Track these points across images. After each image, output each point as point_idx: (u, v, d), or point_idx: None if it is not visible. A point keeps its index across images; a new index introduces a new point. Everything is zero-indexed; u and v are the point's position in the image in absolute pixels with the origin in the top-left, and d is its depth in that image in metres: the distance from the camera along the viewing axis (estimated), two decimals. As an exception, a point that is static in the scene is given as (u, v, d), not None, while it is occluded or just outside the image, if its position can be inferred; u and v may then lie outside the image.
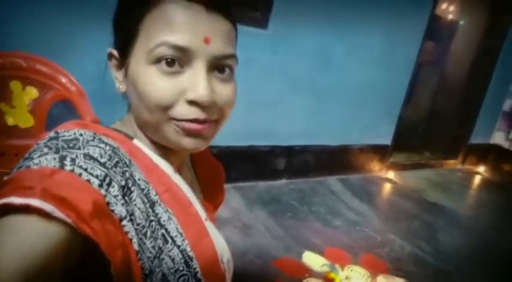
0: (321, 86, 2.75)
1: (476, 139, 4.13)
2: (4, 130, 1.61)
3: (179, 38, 0.50)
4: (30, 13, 1.68)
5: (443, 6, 4.21)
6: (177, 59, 0.51)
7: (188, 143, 0.55)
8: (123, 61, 0.56)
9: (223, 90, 0.55)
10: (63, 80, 1.64)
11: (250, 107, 2.46)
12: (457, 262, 2.10)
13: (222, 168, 0.82)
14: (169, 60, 0.51)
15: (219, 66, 0.54)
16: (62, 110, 1.76)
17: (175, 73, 0.51)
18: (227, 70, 0.55)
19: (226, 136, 2.52)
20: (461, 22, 4.09)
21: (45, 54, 1.64)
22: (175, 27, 0.50)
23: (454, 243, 2.36)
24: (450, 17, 4.27)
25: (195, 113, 0.52)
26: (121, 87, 0.57)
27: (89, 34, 1.74)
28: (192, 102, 0.52)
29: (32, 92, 1.62)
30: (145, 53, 0.51)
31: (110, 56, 0.58)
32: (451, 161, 4.12)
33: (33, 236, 0.36)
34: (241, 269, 1.69)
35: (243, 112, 2.49)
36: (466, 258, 2.17)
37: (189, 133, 0.54)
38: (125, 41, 0.54)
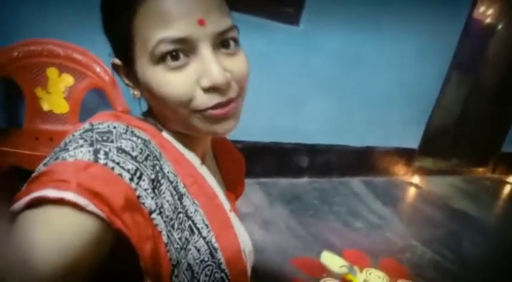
0: (349, 86, 2.71)
1: (508, 147, 3.99)
2: (39, 115, 1.67)
3: (174, 30, 0.48)
4: (69, 3, 1.73)
5: (482, 8, 4.06)
6: (180, 51, 0.50)
7: (220, 128, 0.55)
8: (129, 68, 0.55)
9: (234, 65, 0.54)
10: (98, 70, 1.69)
11: (276, 103, 2.46)
12: (480, 273, 2.05)
13: (243, 159, 0.83)
14: (173, 54, 0.49)
15: (222, 42, 0.53)
16: (95, 98, 1.81)
17: (184, 65, 0.50)
18: (231, 43, 0.53)
19: (251, 131, 2.55)
20: (499, 26, 3.94)
21: (81, 44, 1.69)
22: (166, 20, 0.48)
23: (478, 253, 2.30)
24: (488, 20, 4.12)
25: (215, 98, 0.52)
26: (136, 93, 0.57)
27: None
28: (209, 89, 0.51)
29: (68, 79, 1.67)
30: (147, 55, 0.50)
31: (115, 65, 0.57)
32: (480, 169, 3.99)
33: (68, 228, 0.37)
34: (260, 266, 1.70)
35: (268, 108, 2.51)
36: (489, 269, 2.11)
37: (217, 119, 0.54)
38: (122, 48, 0.53)
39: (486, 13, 4.10)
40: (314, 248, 1.94)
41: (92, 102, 1.79)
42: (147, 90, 0.53)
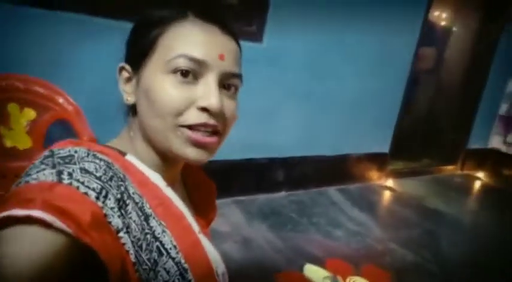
0: (317, 96, 2.76)
1: (474, 144, 4.15)
2: (2, 152, 1.61)
3: (198, 51, 0.55)
4: (25, 34, 1.70)
5: (436, 12, 4.26)
6: (192, 71, 0.55)
7: (192, 153, 0.57)
8: (134, 73, 0.59)
9: (229, 105, 0.59)
10: (60, 100, 1.65)
11: (248, 119, 2.47)
12: (459, 270, 2.10)
13: (213, 186, 0.83)
14: (184, 71, 0.55)
15: (226, 84, 0.59)
16: (60, 129, 1.77)
17: (189, 83, 0.55)
18: (233, 89, 0.60)
19: (224, 150, 2.52)
20: (454, 28, 4.14)
21: (41, 74, 1.65)
22: (193, 42, 0.55)
23: (455, 250, 2.36)
24: (443, 23, 4.32)
25: (204, 118, 0.55)
26: (129, 98, 0.61)
27: (85, 52, 1.76)
28: (202, 109, 0.55)
29: (30, 114, 1.63)
30: (161, 64, 0.55)
31: (121, 70, 0.61)
32: (450, 167, 4.13)
33: (36, 245, 0.37)
34: (243, 284, 1.68)
35: (240, 125, 2.51)
36: (468, 266, 2.16)
37: (195, 144, 0.56)
38: (139, 56, 0.58)
39: (441, 16, 4.29)
40: (296, 261, 1.94)
41: (57, 133, 1.75)
42: (145, 95, 0.57)
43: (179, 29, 0.56)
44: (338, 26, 2.65)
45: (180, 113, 0.55)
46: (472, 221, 2.97)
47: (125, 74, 0.61)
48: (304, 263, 1.92)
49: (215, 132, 0.58)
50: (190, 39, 0.55)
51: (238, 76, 0.60)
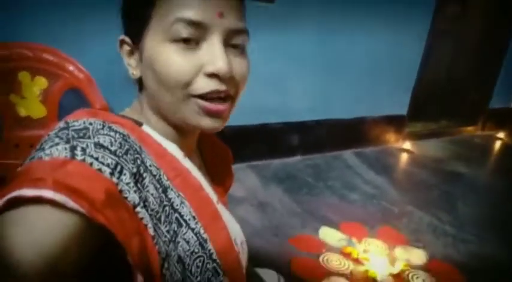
0: (332, 59, 2.68)
1: (495, 103, 4.01)
2: (17, 121, 1.63)
3: (194, 13, 0.51)
4: (34, 2, 1.66)
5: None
6: (193, 37, 0.52)
7: (207, 123, 0.56)
8: (136, 46, 0.57)
9: (238, 65, 0.56)
10: (71, 68, 1.64)
11: (261, 84, 2.43)
12: (477, 231, 2.08)
13: (229, 151, 0.82)
14: (185, 39, 0.52)
15: (233, 42, 0.55)
16: (73, 98, 1.77)
17: (193, 49, 0.52)
18: (240, 46, 0.57)
19: (238, 115, 2.49)
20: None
21: (52, 44, 1.63)
22: (188, 4, 0.51)
23: (473, 211, 2.33)
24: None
25: (214, 84, 0.53)
26: (135, 73, 0.58)
27: (95, 21, 1.72)
28: (211, 75, 0.53)
29: (41, 82, 1.62)
30: (160, 32, 0.52)
31: (122, 43, 0.59)
32: (470, 128, 4.02)
33: (47, 227, 0.36)
34: (258, 248, 1.71)
35: (253, 90, 2.46)
36: (486, 227, 2.14)
37: (209, 113, 0.55)
38: (137, 26, 0.55)
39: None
40: (312, 224, 1.95)
41: (70, 102, 1.75)
42: (149, 68, 0.54)
43: None
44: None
45: (188, 83, 0.52)
46: (491, 182, 2.92)
47: (126, 47, 0.58)
48: (319, 226, 1.93)
49: (227, 97, 0.56)
50: (184, 1, 0.51)
51: (244, 32, 0.56)
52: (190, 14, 0.51)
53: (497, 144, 3.83)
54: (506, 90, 4.04)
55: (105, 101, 1.64)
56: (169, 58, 0.52)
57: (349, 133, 3.02)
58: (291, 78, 2.56)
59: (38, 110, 1.64)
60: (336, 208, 2.16)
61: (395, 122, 3.28)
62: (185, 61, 0.52)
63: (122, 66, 0.61)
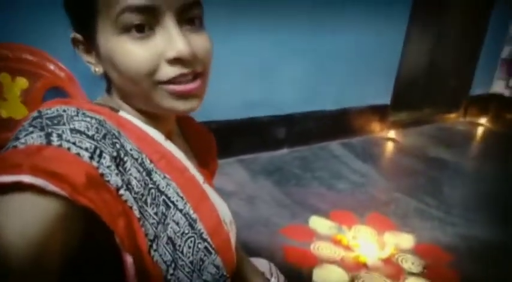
0: (315, 50, 2.69)
1: (476, 90, 4.09)
2: (-1, 123, 1.60)
3: None
4: (12, 2, 1.63)
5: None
6: (145, 23, 0.49)
7: (182, 105, 0.54)
8: (90, 43, 0.54)
9: (198, 41, 0.53)
10: (52, 67, 1.61)
11: (246, 77, 2.43)
12: (463, 213, 2.13)
13: (211, 136, 0.82)
14: (137, 27, 0.49)
15: (187, 18, 0.52)
16: (55, 97, 1.74)
17: (149, 36, 0.50)
18: (196, 21, 0.54)
19: (224, 110, 2.52)
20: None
21: (32, 43, 1.60)
22: None
23: (459, 195, 2.38)
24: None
25: (179, 69, 0.51)
26: (97, 69, 0.56)
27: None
28: (174, 61, 0.51)
29: (22, 82, 1.59)
30: (110, 25, 0.49)
31: (75, 41, 0.56)
32: (453, 115, 4.09)
33: (28, 213, 0.35)
34: (250, 239, 1.72)
35: (238, 84, 2.47)
36: (472, 209, 2.19)
37: (181, 95, 0.53)
38: (84, 20, 0.52)
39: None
40: (301, 215, 1.97)
41: (52, 102, 1.72)
42: (110, 63, 0.52)
43: None
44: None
45: (152, 72, 0.51)
46: (474, 167, 2.98)
47: (81, 46, 0.56)
48: (309, 216, 1.95)
49: (196, 75, 0.54)
50: None
51: (197, 2, 0.53)
52: (136, 0, 0.48)
53: (479, 130, 3.91)
54: (486, 76, 4.13)
55: (88, 98, 1.63)
56: (126, 50, 0.50)
57: (335, 124, 3.05)
58: (277, 71, 2.57)
59: (19, 111, 1.61)
60: (325, 197, 2.18)
61: (379, 112, 3.32)
62: (143, 50, 0.50)
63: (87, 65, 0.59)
